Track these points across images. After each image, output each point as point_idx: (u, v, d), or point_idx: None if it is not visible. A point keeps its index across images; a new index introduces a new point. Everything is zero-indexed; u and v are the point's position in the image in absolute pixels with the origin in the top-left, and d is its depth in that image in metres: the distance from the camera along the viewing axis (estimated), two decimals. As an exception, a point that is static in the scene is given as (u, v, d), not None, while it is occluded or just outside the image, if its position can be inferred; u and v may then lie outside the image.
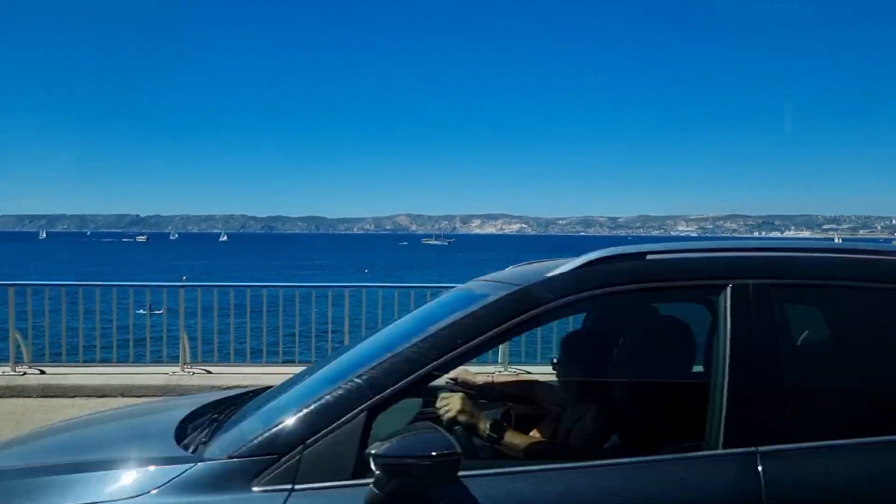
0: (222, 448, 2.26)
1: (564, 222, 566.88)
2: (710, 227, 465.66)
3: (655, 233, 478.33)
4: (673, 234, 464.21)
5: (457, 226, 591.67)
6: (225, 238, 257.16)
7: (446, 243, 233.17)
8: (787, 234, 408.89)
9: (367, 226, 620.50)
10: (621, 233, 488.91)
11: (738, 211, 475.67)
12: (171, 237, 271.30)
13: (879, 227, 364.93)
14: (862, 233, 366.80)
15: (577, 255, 2.59)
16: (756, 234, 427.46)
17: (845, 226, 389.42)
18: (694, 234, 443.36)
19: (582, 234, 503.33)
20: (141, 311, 10.85)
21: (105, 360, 9.56)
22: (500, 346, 8.85)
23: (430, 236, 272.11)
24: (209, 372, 9.00)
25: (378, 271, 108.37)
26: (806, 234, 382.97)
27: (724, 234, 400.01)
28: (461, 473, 2.01)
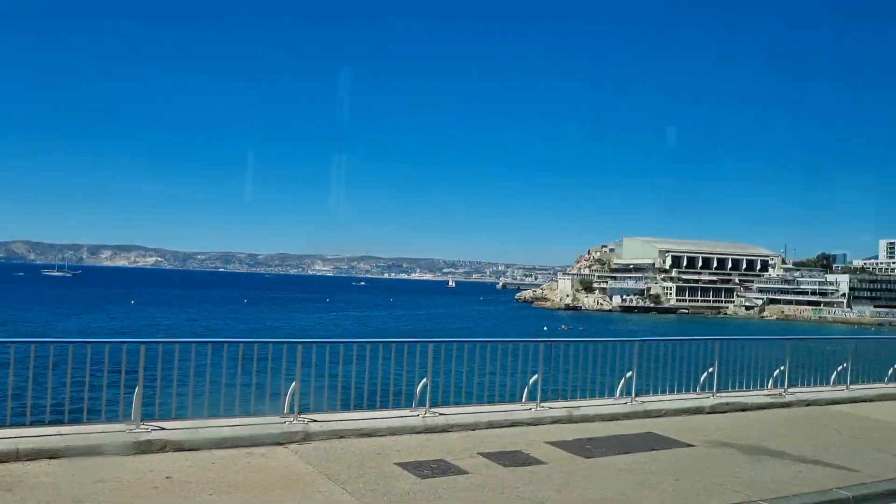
0: None
1: (204, 257, 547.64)
2: (346, 267, 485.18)
3: (294, 271, 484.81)
4: (311, 272, 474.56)
5: (84, 256, 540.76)
6: None
7: (70, 275, 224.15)
8: (413, 275, 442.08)
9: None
10: (260, 270, 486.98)
11: (371, 253, 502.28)
12: None
13: (489, 273, 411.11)
14: (475, 277, 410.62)
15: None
16: (386, 275, 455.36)
17: (461, 270, 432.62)
18: (330, 274, 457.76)
19: (221, 269, 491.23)
20: None
21: None
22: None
23: (52, 267, 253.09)
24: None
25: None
26: (428, 276, 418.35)
27: (357, 275, 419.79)
28: None
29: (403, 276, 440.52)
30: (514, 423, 10.55)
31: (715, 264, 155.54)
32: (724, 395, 12.86)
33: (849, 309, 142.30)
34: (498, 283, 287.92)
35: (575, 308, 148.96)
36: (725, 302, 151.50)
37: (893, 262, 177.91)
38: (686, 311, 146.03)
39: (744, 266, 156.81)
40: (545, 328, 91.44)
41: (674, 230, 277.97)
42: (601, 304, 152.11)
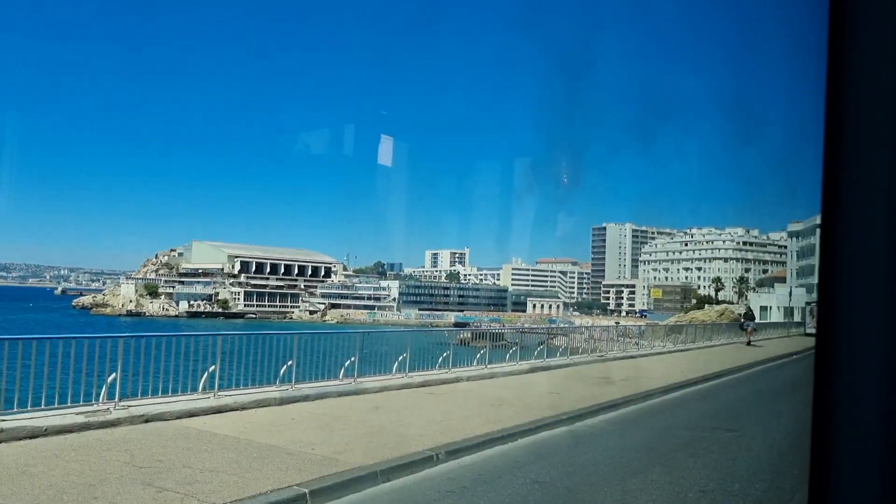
0: None
1: None
2: None
3: None
4: None
5: None
6: None
7: None
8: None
9: None
10: None
11: None
12: None
13: (49, 277, 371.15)
14: (31, 281, 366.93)
15: None
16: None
17: (15, 274, 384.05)
18: None
19: None
20: None
21: None
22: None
23: None
24: None
25: None
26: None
27: None
28: None
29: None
30: None
31: (283, 270, 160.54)
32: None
33: (398, 312, 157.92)
34: (57, 289, 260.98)
35: (138, 314, 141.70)
36: (292, 306, 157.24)
37: (436, 270, 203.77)
38: (254, 315, 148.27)
39: (309, 272, 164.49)
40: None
41: (244, 236, 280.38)
42: (167, 309, 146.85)
